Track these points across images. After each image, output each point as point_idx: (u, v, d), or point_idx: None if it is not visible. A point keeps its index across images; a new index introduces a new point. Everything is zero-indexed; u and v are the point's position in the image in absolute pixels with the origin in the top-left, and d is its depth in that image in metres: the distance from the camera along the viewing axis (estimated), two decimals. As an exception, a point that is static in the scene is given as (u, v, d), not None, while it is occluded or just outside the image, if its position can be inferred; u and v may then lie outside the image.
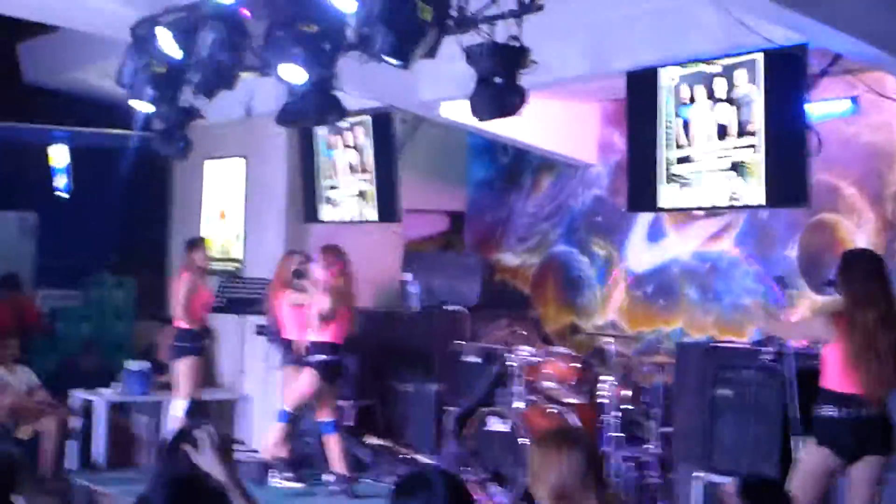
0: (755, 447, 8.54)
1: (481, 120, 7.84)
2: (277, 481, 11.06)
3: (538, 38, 7.58)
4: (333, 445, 10.89)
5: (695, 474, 8.99)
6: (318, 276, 10.89)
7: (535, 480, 5.68)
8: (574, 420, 10.31)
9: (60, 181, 15.45)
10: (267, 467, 10.94)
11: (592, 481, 5.50)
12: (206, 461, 4.75)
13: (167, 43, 9.07)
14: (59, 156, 15.42)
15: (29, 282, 14.64)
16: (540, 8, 7.34)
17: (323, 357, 10.76)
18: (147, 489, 4.27)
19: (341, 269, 10.91)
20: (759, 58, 8.75)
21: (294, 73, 8.09)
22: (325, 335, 10.79)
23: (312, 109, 8.43)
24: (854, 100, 9.90)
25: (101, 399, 12.34)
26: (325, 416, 10.97)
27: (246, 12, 8.45)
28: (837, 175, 10.28)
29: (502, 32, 7.50)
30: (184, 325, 11.50)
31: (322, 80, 8.19)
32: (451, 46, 7.59)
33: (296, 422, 11.54)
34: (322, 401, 10.95)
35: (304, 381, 10.84)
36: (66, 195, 15.41)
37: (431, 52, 7.36)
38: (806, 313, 10.26)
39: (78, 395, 12.55)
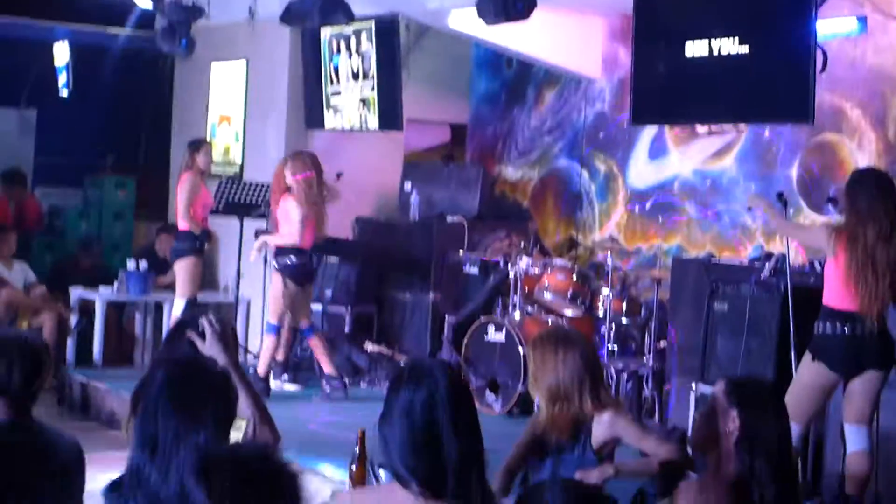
0: (750, 361, 8.54)
1: (488, 23, 7.81)
2: (277, 384, 11.14)
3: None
4: (316, 349, 10.95)
5: (690, 387, 9.04)
6: (288, 181, 10.85)
7: (533, 382, 5.74)
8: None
9: (61, 79, 15.39)
10: (266, 377, 10.95)
11: (589, 382, 5.56)
12: (209, 347, 4.79)
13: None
14: (60, 53, 15.35)
15: (28, 179, 14.61)
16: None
17: (287, 261, 10.79)
18: (148, 371, 4.29)
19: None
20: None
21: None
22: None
23: (318, 8, 8.38)
24: (861, 19, 9.85)
25: (100, 297, 12.39)
26: (301, 324, 11.02)
27: None
28: (841, 96, 10.27)
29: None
30: (184, 226, 11.49)
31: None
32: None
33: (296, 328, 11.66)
34: (295, 308, 10.99)
35: (273, 287, 10.88)
36: (66, 93, 15.34)
37: None
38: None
39: (77, 293, 12.60)
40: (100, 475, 4.30)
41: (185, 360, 4.42)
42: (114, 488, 3.97)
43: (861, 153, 10.19)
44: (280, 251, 10.82)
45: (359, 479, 4.81)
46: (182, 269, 11.45)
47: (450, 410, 3.72)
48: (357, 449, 4.91)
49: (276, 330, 10.90)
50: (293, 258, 10.77)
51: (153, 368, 4.35)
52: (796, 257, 9.34)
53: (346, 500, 3.99)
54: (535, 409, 5.95)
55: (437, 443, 3.69)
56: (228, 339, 4.93)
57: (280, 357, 11.35)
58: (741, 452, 4.42)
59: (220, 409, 4.03)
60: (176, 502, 3.14)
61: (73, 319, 12.45)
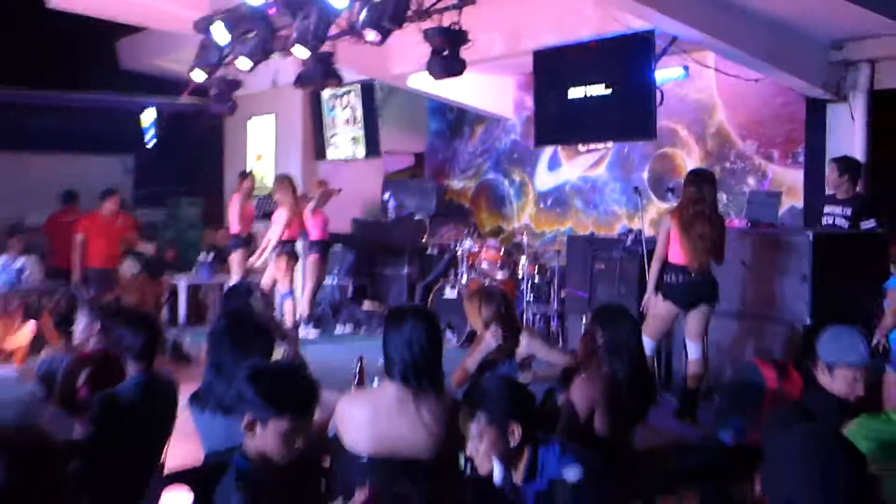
0: (620, 302, 8.59)
1: (436, 79, 7.81)
2: (304, 332, 11.14)
3: (472, 26, 7.59)
4: (289, 307, 10.89)
5: (581, 321, 9.08)
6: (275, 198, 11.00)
7: (471, 320, 5.75)
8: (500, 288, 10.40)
9: (149, 135, 15.38)
10: (295, 326, 10.91)
11: (506, 319, 5.58)
12: (256, 303, 4.81)
13: (219, 33, 8.98)
14: (147, 117, 15.33)
15: (129, 204, 14.55)
16: (473, 2, 7.34)
17: (287, 248, 10.80)
18: (214, 322, 4.32)
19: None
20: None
21: (301, 51, 8.05)
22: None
23: (318, 77, 8.39)
24: (686, 68, 9.94)
25: (183, 281, 12.37)
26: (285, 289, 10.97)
27: (271, 11, 8.39)
28: (675, 121, 10.35)
29: (448, 20, 7.51)
30: (236, 230, 11.45)
31: (323, 56, 8.15)
32: (415, 35, 7.56)
33: (315, 294, 11.66)
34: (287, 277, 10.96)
35: (280, 267, 10.83)
36: (153, 144, 15.34)
37: (399, 24, 7.30)
38: (654, 215, 10.40)
39: (168, 279, 12.58)
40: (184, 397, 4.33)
41: (239, 311, 4.45)
42: (193, 398, 4.01)
43: (689, 159, 10.27)
44: (282, 244, 10.80)
45: (360, 387, 4.84)
46: (235, 260, 11.42)
47: (426, 331, 3.79)
48: (357, 368, 4.94)
49: (291, 294, 10.88)
50: (290, 248, 10.80)
51: (218, 319, 4.37)
52: (648, 231, 9.40)
53: (352, 398, 4.01)
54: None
55: (417, 350, 3.75)
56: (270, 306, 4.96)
57: (306, 313, 11.35)
58: (606, 357, 4.48)
59: (264, 343, 4.06)
60: (235, 403, 3.17)
61: (164, 296, 12.42)
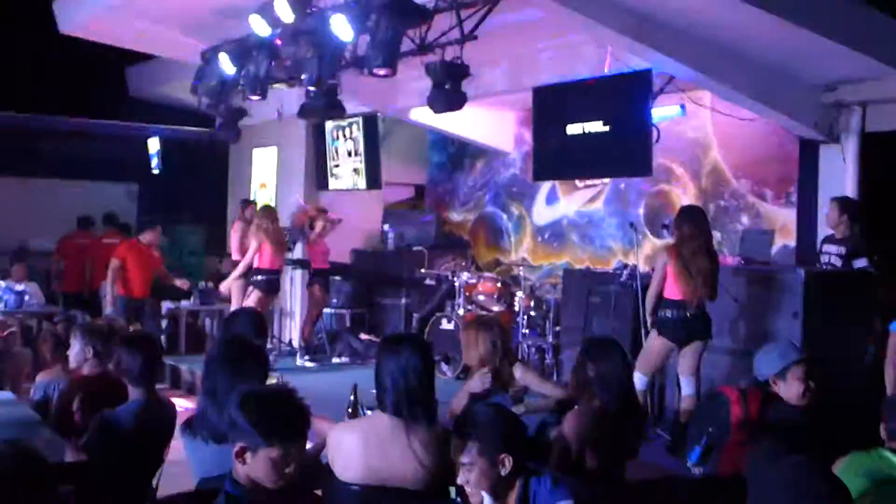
0: (614, 335, 8.45)
1: (436, 113, 7.79)
2: (300, 362, 11.08)
3: (474, 61, 7.60)
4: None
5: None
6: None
7: (466, 353, 5.67)
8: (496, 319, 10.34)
9: (154, 162, 15.38)
10: (292, 353, 10.84)
11: (501, 352, 5.51)
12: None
13: (225, 63, 8.98)
14: (153, 145, 15.34)
15: (134, 231, 14.49)
16: (475, 38, 7.34)
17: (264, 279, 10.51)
18: (212, 346, 4.28)
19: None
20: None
21: (308, 81, 8.04)
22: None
23: (322, 108, 8.39)
24: (682, 107, 9.94)
25: (182, 308, 12.27)
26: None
27: (278, 41, 8.40)
28: (670, 159, 10.35)
29: (450, 54, 7.51)
30: (236, 258, 11.40)
31: (328, 88, 8.14)
32: (417, 68, 7.56)
33: (314, 323, 11.59)
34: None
35: (253, 297, 10.53)
36: (157, 172, 15.33)
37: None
38: (649, 251, 10.38)
39: (167, 305, 12.46)
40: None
41: (234, 338, 4.41)
42: (187, 425, 3.95)
43: (684, 196, 10.26)
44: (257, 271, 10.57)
45: (353, 416, 4.79)
46: (234, 288, 11.31)
47: (420, 360, 3.75)
48: (352, 397, 4.90)
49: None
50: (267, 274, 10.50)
51: (215, 344, 4.34)
52: (643, 266, 9.38)
53: (345, 426, 3.97)
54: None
55: (410, 378, 3.71)
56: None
57: (302, 343, 11.28)
58: (597, 390, 4.43)
59: (257, 368, 4.01)
60: (228, 430, 3.11)
61: (164, 323, 12.31)
